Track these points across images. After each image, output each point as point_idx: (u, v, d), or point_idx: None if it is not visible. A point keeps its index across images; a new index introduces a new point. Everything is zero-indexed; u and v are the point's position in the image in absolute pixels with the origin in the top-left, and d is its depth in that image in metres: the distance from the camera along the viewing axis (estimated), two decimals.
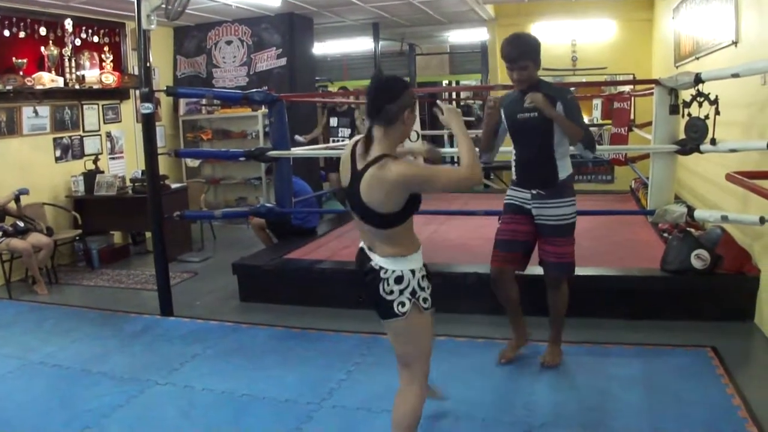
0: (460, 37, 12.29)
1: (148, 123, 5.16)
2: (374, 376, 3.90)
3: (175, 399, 3.73)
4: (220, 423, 3.41)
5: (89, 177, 7.35)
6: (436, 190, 2.52)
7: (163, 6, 5.08)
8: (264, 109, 8.01)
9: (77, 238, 7.20)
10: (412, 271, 2.56)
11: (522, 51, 3.57)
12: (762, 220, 3.98)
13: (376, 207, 2.47)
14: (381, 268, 2.55)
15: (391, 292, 2.54)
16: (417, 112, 2.77)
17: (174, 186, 7.73)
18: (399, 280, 2.54)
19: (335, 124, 8.90)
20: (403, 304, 2.54)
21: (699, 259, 4.59)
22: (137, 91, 6.43)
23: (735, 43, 5.06)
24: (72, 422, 3.45)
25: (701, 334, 4.32)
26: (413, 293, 2.55)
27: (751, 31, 4.75)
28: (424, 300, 2.60)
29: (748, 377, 3.70)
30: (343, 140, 8.39)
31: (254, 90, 5.68)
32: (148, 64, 5.03)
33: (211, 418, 3.48)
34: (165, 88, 5.54)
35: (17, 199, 6.21)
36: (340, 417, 3.42)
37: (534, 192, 3.72)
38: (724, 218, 4.41)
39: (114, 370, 4.18)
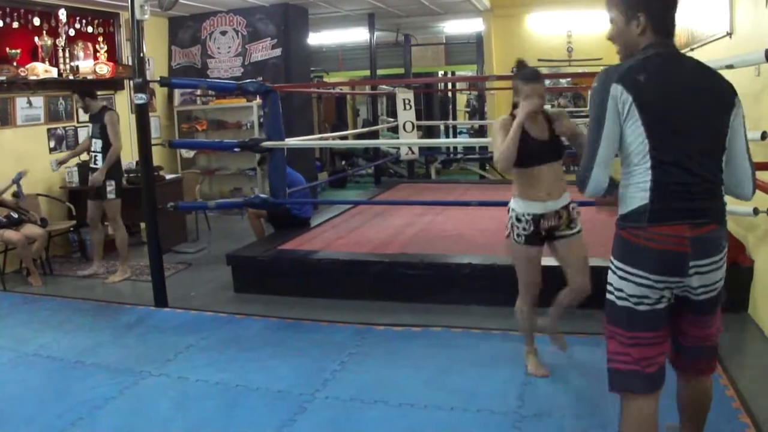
0: (456, 27, 12.27)
1: (141, 113, 5.15)
2: (368, 367, 3.91)
3: (169, 390, 3.73)
4: (214, 414, 3.41)
5: (83, 168, 7.32)
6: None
7: None
8: (259, 100, 7.99)
9: (72, 229, 7.18)
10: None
11: None
12: (756, 212, 3.99)
13: None
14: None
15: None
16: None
17: (169, 177, 7.73)
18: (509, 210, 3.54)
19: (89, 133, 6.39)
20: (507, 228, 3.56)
21: None
22: (131, 82, 6.40)
23: (729, 34, 5.04)
24: (65, 414, 3.45)
25: None
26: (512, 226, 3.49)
27: (745, 22, 4.74)
28: (518, 235, 3.47)
29: (742, 368, 3.71)
30: (95, 155, 6.16)
31: (248, 81, 5.66)
32: (141, 55, 5.01)
33: (204, 409, 3.48)
34: (159, 79, 5.52)
35: (18, 189, 6.19)
36: (333, 408, 3.43)
37: None
38: None
39: (108, 361, 4.17)
